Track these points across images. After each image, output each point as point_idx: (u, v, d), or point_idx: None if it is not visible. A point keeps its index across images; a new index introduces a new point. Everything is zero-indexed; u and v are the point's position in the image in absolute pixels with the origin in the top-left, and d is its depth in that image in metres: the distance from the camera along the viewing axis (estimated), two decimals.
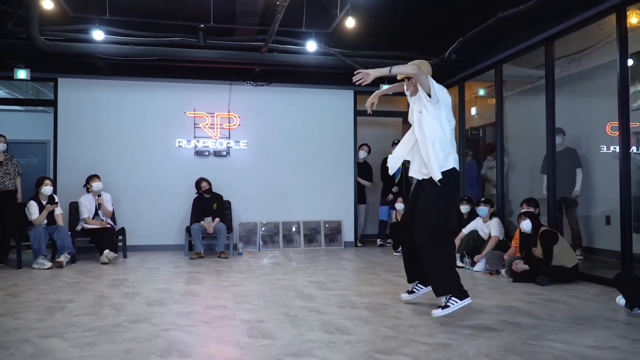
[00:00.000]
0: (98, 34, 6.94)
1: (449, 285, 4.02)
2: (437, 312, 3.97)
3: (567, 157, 6.87)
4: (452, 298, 3.99)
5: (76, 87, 8.41)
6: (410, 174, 4.37)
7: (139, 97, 8.62)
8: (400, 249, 5.67)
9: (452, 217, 4.62)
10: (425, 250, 4.03)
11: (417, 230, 4.08)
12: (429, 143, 4.02)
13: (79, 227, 7.46)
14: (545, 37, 6.33)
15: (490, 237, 6.53)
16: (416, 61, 4.23)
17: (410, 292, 4.51)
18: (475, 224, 6.80)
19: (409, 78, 4.22)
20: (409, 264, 4.44)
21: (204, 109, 8.78)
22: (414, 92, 4.21)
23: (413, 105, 4.24)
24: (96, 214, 7.50)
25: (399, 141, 4.98)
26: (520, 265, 5.63)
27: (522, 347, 3.27)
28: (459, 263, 6.70)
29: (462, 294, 4.02)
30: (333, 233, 9.10)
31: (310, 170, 9.13)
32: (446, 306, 3.97)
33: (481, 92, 8.82)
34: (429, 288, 4.29)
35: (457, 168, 4.13)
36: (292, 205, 9.04)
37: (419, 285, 4.45)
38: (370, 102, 4.47)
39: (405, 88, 4.33)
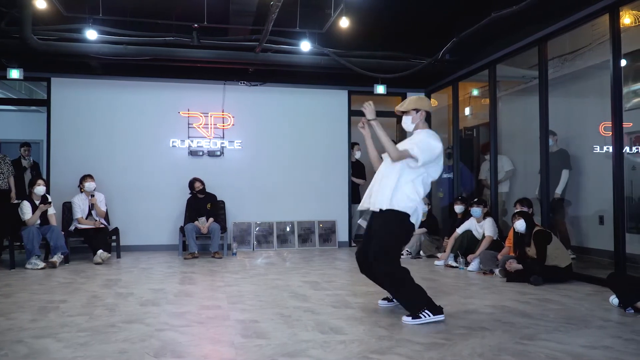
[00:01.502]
0: (91, 34, 6.90)
1: (417, 301, 3.96)
2: (407, 320, 3.87)
3: (558, 158, 6.90)
4: (425, 311, 3.88)
5: (69, 87, 8.37)
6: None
7: (132, 97, 8.59)
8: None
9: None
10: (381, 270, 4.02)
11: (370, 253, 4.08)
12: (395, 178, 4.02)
13: (72, 227, 7.43)
14: (539, 38, 6.36)
15: (484, 236, 6.55)
16: (414, 97, 4.31)
17: (390, 300, 4.40)
18: (469, 224, 6.82)
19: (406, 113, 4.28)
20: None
21: (198, 109, 8.76)
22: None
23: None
24: (89, 214, 7.47)
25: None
26: (514, 265, 5.65)
27: (516, 346, 3.29)
28: (452, 263, 6.74)
29: (435, 310, 3.91)
30: (327, 233, 9.10)
31: (305, 170, 9.12)
32: (417, 317, 3.87)
33: (475, 92, 8.85)
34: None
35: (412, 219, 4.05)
36: (286, 205, 9.03)
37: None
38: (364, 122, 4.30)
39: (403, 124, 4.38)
